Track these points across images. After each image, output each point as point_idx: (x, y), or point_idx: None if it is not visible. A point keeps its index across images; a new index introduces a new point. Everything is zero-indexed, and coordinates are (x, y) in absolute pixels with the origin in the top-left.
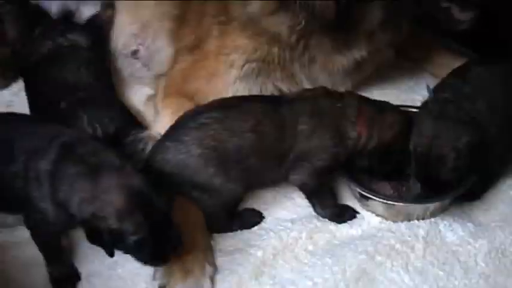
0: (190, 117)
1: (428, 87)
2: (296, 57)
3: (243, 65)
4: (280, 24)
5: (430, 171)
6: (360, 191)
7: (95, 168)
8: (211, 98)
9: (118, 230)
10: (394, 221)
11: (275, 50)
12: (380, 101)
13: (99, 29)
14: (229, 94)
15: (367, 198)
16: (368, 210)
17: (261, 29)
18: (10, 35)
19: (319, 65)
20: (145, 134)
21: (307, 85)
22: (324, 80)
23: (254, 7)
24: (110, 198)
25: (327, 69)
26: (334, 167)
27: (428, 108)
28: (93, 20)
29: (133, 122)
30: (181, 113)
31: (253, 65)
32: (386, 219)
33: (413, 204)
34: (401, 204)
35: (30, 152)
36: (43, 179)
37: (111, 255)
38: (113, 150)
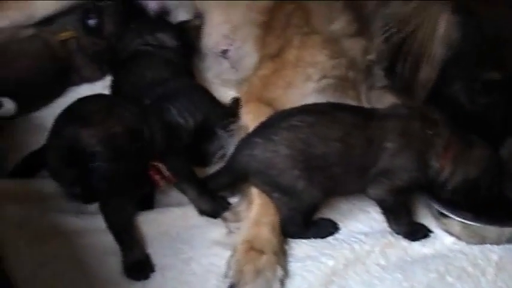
0: (282, 118)
1: None
2: (362, 80)
3: (320, 79)
4: (356, 49)
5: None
6: (438, 208)
7: None
8: (288, 107)
9: None
10: (469, 242)
11: (351, 73)
12: (468, 135)
13: (186, 33)
14: None
15: (445, 216)
16: (443, 229)
17: (340, 49)
18: (107, 28)
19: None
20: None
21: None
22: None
23: (337, 26)
24: None
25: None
26: (412, 189)
27: None
28: (183, 24)
29: (224, 111)
30: (260, 119)
31: (331, 81)
32: (462, 239)
33: (491, 226)
34: (478, 225)
35: None
36: None
37: None
38: None
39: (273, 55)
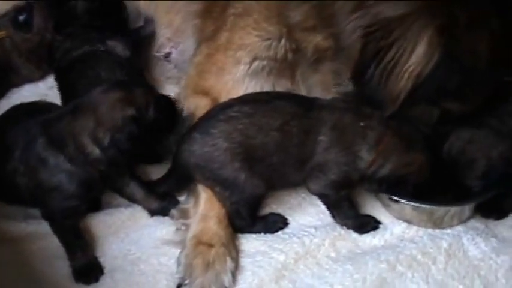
0: (220, 110)
1: None
2: (304, 66)
3: (251, 62)
4: (309, 43)
5: (460, 175)
6: (388, 195)
7: None
8: (223, 95)
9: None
10: (419, 225)
11: (290, 55)
12: (411, 134)
13: (140, 40)
14: (240, 91)
15: (396, 201)
16: (395, 216)
17: (282, 32)
18: (37, 23)
19: (317, 79)
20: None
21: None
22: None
23: (295, 16)
24: None
25: (321, 90)
26: (347, 184)
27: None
28: (136, 33)
29: None
30: (201, 112)
31: (263, 63)
32: (413, 223)
33: (438, 207)
34: (427, 206)
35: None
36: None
37: None
38: None
39: (208, 38)
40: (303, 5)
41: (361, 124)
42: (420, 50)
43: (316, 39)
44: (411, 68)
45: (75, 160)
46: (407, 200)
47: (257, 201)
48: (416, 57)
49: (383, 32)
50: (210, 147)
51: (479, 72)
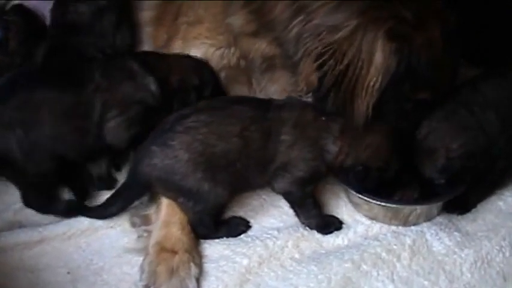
0: (177, 121)
1: None
2: (257, 73)
3: None
4: (253, 48)
5: (420, 164)
6: (358, 195)
7: None
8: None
9: None
10: (385, 222)
11: (242, 62)
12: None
13: None
14: None
15: (365, 201)
16: (364, 215)
17: (231, 40)
18: (11, 45)
19: (275, 87)
20: None
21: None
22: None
23: (236, 22)
24: None
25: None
26: (315, 179)
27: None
28: None
29: None
30: None
31: (220, 71)
32: (379, 221)
33: (404, 206)
34: (391, 205)
35: None
36: None
37: None
38: None
39: (162, 47)
40: (241, 10)
41: (323, 118)
42: (377, 61)
43: (261, 47)
44: (373, 81)
45: (160, 86)
46: (376, 200)
47: (220, 210)
48: (375, 69)
49: (336, 57)
50: (170, 160)
51: (439, 61)
